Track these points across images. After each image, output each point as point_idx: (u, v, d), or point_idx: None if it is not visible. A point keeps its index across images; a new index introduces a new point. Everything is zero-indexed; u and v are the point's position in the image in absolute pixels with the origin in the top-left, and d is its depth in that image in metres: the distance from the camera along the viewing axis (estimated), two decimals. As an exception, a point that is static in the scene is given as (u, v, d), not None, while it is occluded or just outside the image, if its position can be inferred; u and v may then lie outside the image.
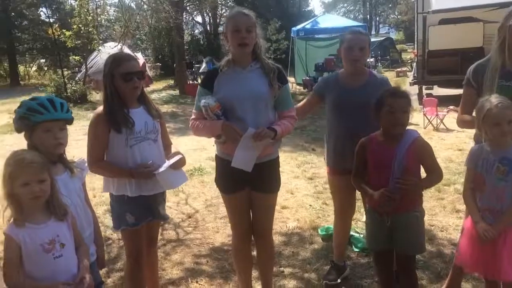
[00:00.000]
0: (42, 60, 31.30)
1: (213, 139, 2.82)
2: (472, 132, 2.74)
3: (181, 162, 2.74)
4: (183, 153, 2.82)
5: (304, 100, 3.38)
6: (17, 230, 1.87)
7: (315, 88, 3.31)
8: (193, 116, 2.79)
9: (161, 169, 2.54)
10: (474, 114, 2.63)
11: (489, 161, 2.40)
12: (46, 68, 29.59)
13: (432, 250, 3.75)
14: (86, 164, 2.40)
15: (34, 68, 31.58)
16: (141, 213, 2.67)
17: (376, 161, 2.56)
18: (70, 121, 2.22)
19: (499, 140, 2.35)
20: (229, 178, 2.80)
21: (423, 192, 2.65)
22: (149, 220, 2.74)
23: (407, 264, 2.62)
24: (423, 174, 2.61)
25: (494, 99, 2.35)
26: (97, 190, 5.06)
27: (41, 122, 2.07)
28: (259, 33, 2.70)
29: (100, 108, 2.59)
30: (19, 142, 2.17)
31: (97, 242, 2.39)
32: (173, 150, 2.83)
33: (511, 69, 2.61)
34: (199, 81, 19.13)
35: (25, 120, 2.07)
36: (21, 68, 29.83)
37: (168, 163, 2.60)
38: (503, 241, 2.35)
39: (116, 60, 2.58)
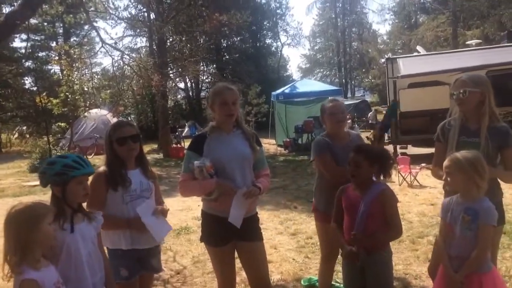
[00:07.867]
0: (24, 127, 31.52)
1: (199, 199, 3.15)
2: None
3: (164, 211, 3.02)
4: (169, 213, 3.13)
5: (320, 165, 3.53)
6: (36, 273, 2.06)
7: (319, 150, 3.51)
8: (181, 178, 3.07)
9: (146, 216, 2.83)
10: None
11: (455, 212, 2.65)
12: (28, 135, 29.77)
13: (406, 295, 4.02)
14: (101, 216, 2.62)
15: (15, 135, 31.73)
16: (134, 267, 2.91)
17: (347, 205, 2.94)
18: (92, 174, 2.58)
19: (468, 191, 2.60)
20: (215, 233, 3.08)
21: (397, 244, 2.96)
22: (141, 273, 2.98)
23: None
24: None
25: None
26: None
27: (76, 176, 2.39)
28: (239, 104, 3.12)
29: (101, 168, 2.91)
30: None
31: (109, 287, 2.59)
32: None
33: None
34: (183, 144, 19.55)
35: (63, 176, 2.37)
36: (3, 136, 29.96)
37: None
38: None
39: (113, 127, 2.97)
